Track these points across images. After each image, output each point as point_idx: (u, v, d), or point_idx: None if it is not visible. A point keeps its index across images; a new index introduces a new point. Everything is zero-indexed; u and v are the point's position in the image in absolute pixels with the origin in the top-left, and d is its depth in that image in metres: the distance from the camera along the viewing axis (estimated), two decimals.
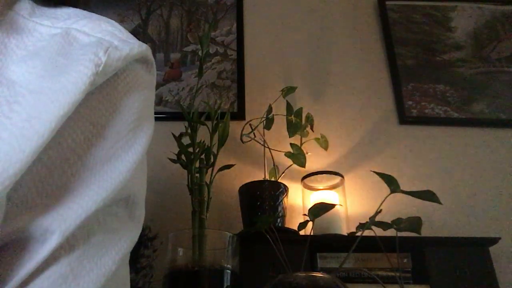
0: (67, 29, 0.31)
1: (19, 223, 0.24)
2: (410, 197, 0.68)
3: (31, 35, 0.31)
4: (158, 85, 1.27)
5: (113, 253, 0.28)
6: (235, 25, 1.41)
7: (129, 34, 0.33)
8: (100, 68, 0.28)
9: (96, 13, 0.34)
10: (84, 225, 0.26)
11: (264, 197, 0.97)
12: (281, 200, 0.99)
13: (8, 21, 0.31)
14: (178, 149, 0.91)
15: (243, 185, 1.02)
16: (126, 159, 0.29)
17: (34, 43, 0.30)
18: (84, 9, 0.34)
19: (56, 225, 0.25)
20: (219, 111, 0.96)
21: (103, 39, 0.30)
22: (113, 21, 0.34)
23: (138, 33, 1.37)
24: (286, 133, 1.05)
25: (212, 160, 0.93)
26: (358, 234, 0.74)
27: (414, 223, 0.68)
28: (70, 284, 0.24)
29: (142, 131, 0.32)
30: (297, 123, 1.05)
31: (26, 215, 0.24)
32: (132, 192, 0.30)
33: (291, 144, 1.03)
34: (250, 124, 1.08)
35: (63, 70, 0.28)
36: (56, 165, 0.26)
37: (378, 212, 0.72)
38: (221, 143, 0.94)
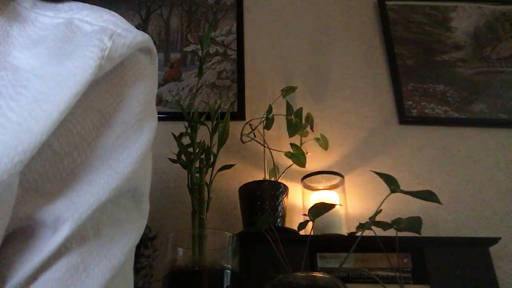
0: (69, 19, 0.31)
1: (29, 209, 0.24)
2: (410, 197, 0.68)
3: (34, 25, 0.31)
4: (158, 85, 1.27)
5: (121, 245, 0.28)
6: (235, 25, 1.41)
7: (131, 24, 0.34)
8: (106, 53, 0.28)
9: None
10: (95, 216, 0.26)
11: (264, 197, 0.97)
12: (281, 200, 0.99)
13: (10, 11, 0.32)
14: (178, 149, 0.91)
15: (243, 185, 1.02)
16: (133, 149, 0.30)
17: (37, 32, 0.31)
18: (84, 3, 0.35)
19: (69, 213, 0.25)
20: (219, 111, 0.96)
21: (107, 28, 0.30)
22: (114, 12, 0.34)
23: None
24: (286, 133, 1.05)
25: (212, 160, 0.93)
26: (358, 234, 0.74)
27: (414, 223, 0.68)
28: (80, 275, 0.25)
29: (147, 123, 0.32)
30: (297, 123, 1.05)
31: (36, 201, 0.25)
32: (138, 184, 0.31)
33: (291, 144, 1.03)
34: (250, 124, 1.08)
35: (69, 56, 0.28)
36: (66, 151, 0.26)
37: (378, 212, 0.72)
38: (221, 143, 0.94)
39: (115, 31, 0.30)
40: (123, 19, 0.34)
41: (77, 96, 0.26)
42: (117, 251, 0.27)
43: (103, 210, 0.27)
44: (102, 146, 0.28)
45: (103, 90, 0.29)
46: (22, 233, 0.25)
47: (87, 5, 0.34)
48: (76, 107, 0.26)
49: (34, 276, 0.24)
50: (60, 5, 0.34)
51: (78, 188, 0.26)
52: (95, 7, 0.34)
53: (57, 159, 0.26)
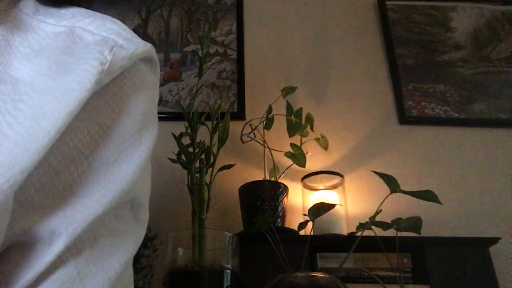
0: (71, 28, 0.31)
1: (25, 224, 0.24)
2: (410, 197, 0.68)
3: (35, 33, 0.31)
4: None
5: (119, 256, 0.28)
6: (235, 25, 1.41)
7: (133, 33, 0.33)
8: (106, 67, 0.27)
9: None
10: (91, 228, 0.26)
11: (264, 197, 0.97)
12: (281, 200, 0.99)
13: (12, 19, 0.31)
14: (178, 149, 0.91)
15: (243, 185, 1.02)
16: (132, 160, 0.29)
17: (38, 41, 0.30)
18: (87, 9, 0.34)
19: (64, 227, 0.25)
20: (219, 111, 0.96)
21: (108, 38, 0.30)
22: (117, 20, 0.33)
23: (138, 33, 1.37)
24: (286, 133, 1.05)
25: (212, 160, 0.93)
26: (358, 234, 0.74)
27: (414, 223, 0.69)
28: (77, 287, 0.24)
29: (148, 132, 0.32)
30: (297, 123, 1.05)
31: (32, 216, 0.24)
32: (137, 195, 0.30)
33: (291, 144, 1.03)
34: (250, 124, 1.08)
35: (69, 69, 0.27)
36: (63, 165, 0.26)
37: (378, 212, 0.72)
38: (221, 143, 0.94)
39: (116, 42, 0.29)
40: (126, 28, 0.33)
41: (75, 112, 0.26)
42: (114, 262, 0.27)
43: (100, 222, 0.27)
44: (100, 158, 0.27)
45: (101, 101, 0.28)
46: (18, 248, 0.24)
47: (89, 12, 0.33)
48: (74, 119, 0.26)
49: None
50: (62, 11, 0.33)
51: (74, 201, 0.26)
52: (98, 14, 0.33)
53: (54, 173, 0.25)
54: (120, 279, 0.27)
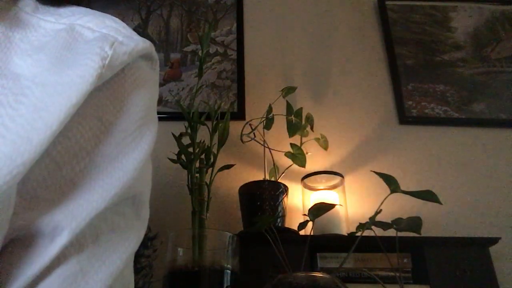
0: (71, 25, 0.31)
1: (28, 218, 0.24)
2: (410, 197, 0.68)
3: (35, 31, 0.31)
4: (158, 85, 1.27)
5: (120, 252, 0.28)
6: (235, 25, 1.41)
7: (132, 31, 0.33)
8: (107, 62, 0.28)
9: None
10: (93, 224, 0.26)
11: (264, 197, 0.97)
12: (281, 200, 0.99)
13: (12, 16, 0.32)
14: (178, 149, 0.91)
15: (243, 185, 1.02)
16: (133, 157, 0.29)
17: (38, 38, 0.30)
18: (86, 8, 0.35)
19: (67, 222, 0.25)
20: (219, 111, 0.96)
21: (108, 35, 0.30)
22: (116, 18, 0.34)
23: (138, 33, 1.36)
24: (286, 133, 1.05)
25: (212, 160, 0.93)
26: (358, 234, 0.74)
27: (414, 223, 0.68)
28: (79, 283, 0.24)
29: (148, 129, 0.32)
30: (297, 123, 1.05)
31: (35, 210, 0.24)
32: (138, 191, 0.30)
33: (291, 144, 1.03)
34: (250, 124, 1.08)
35: (70, 64, 0.28)
36: (65, 160, 0.26)
37: (378, 212, 0.72)
38: (221, 143, 0.94)
39: (116, 38, 0.30)
40: (126, 25, 0.33)
41: (77, 105, 0.26)
42: (116, 258, 0.27)
43: (102, 218, 0.27)
44: (101, 154, 0.28)
45: (103, 97, 0.29)
46: (20, 242, 0.24)
47: (89, 10, 0.33)
48: (75, 114, 0.26)
49: (32, 285, 0.23)
50: (61, 10, 0.33)
51: (77, 196, 0.26)
52: (97, 12, 0.33)
53: (56, 167, 0.26)
54: (121, 276, 0.27)
